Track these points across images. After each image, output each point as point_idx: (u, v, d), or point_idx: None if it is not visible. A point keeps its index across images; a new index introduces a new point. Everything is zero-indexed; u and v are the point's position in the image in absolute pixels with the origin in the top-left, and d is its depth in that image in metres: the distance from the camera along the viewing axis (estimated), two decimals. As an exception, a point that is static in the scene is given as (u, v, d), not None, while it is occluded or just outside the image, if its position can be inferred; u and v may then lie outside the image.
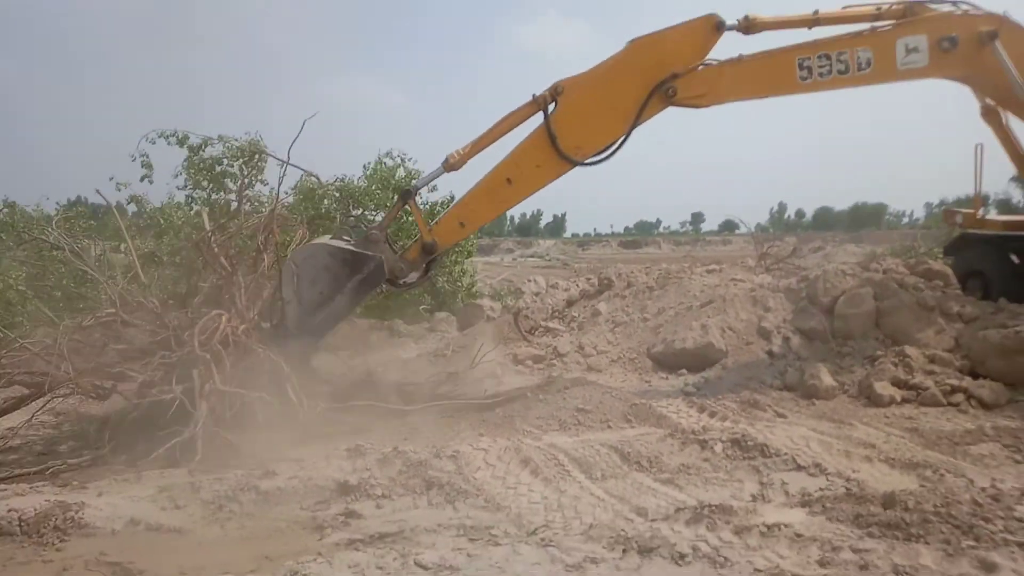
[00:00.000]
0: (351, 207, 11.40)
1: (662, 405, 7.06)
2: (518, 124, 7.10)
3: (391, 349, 10.89)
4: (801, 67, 6.95)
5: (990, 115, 8.70)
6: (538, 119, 7.05)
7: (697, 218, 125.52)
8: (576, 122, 7.00)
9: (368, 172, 12.56)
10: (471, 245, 16.52)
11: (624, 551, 3.77)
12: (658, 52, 6.95)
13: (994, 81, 7.54)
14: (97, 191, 9.14)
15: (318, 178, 11.83)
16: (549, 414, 6.92)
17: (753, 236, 20.31)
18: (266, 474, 5.36)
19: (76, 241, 9.69)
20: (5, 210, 12.59)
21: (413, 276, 7.27)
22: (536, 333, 10.37)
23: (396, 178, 12.43)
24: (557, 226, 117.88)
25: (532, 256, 53.34)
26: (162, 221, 11.01)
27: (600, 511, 4.65)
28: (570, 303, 12.04)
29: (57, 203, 11.36)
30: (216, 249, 7.37)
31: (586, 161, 7.11)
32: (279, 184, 8.15)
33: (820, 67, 6.94)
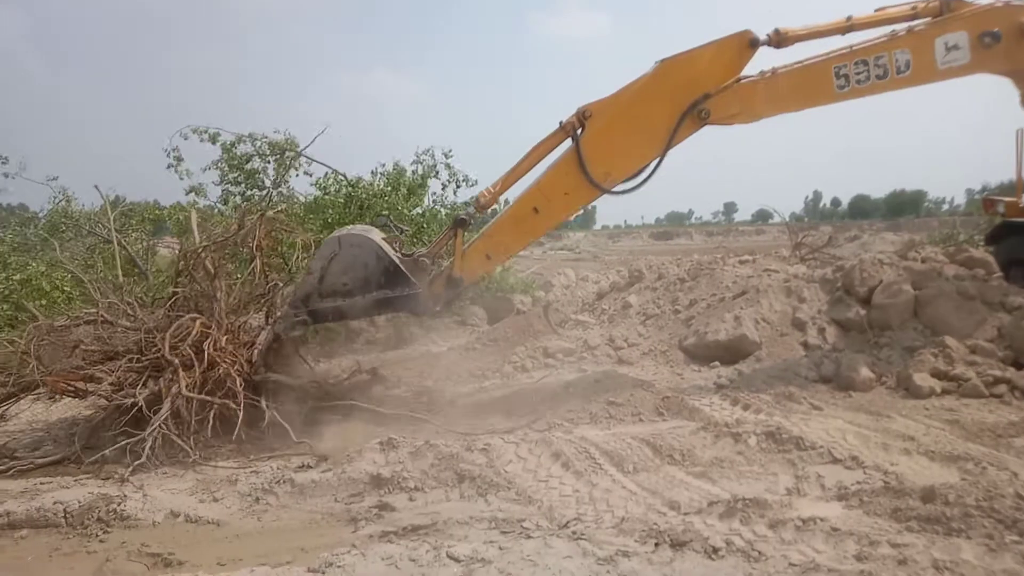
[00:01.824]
0: (381, 212, 11.37)
1: (694, 398, 7.00)
2: (548, 153, 6.89)
3: (422, 344, 10.98)
4: (838, 76, 6.69)
5: None
6: (566, 145, 6.84)
7: (730, 208, 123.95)
8: (605, 147, 6.75)
9: (389, 172, 12.56)
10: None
11: (656, 544, 3.75)
12: (689, 72, 6.68)
13: None
14: (93, 190, 9.31)
15: (345, 176, 11.95)
16: (580, 407, 6.91)
17: (787, 226, 19.94)
18: (302, 467, 5.45)
19: (124, 236, 9.93)
20: (63, 202, 12.87)
21: (434, 307, 7.05)
22: (566, 326, 10.34)
23: (406, 180, 12.41)
24: (587, 218, 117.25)
25: (562, 249, 53.10)
26: (181, 219, 11.23)
27: (632, 504, 4.63)
28: (600, 296, 11.99)
29: (106, 197, 11.58)
30: (202, 253, 7.14)
31: (616, 189, 6.86)
32: (273, 186, 8.16)
33: (858, 74, 6.69)
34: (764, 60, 6.98)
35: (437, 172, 12.70)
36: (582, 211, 7.39)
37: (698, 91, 6.65)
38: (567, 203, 7.00)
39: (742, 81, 6.77)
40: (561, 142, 6.85)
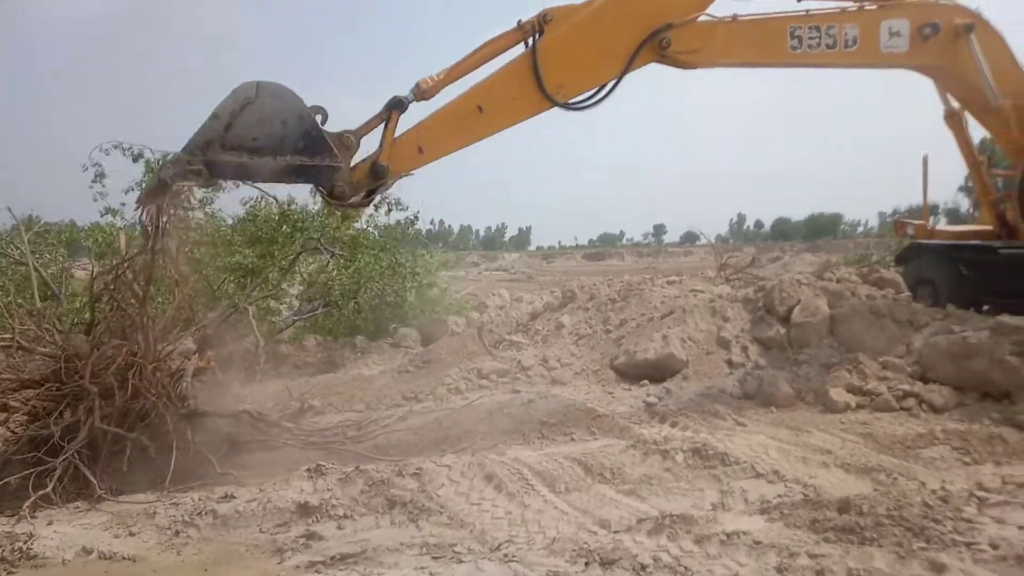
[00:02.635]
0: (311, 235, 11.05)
1: (625, 416, 7.12)
2: (500, 52, 6.41)
3: (353, 367, 10.80)
4: (792, 36, 6.97)
5: (953, 119, 8.95)
6: (521, 47, 6.40)
7: (659, 230, 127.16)
8: (562, 57, 6.36)
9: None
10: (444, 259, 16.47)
11: (586, 564, 3.78)
12: None
13: (964, 77, 7.85)
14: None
15: (275, 198, 11.70)
16: (514, 428, 6.93)
17: (713, 247, 20.61)
18: (225, 497, 5.26)
19: (38, 258, 9.40)
20: None
21: (351, 198, 6.06)
22: (501, 347, 10.38)
23: None
24: (522, 239, 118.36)
25: (498, 269, 53.37)
26: (100, 240, 10.79)
27: (563, 524, 4.66)
28: (534, 316, 12.09)
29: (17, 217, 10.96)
30: (130, 276, 6.49)
31: (567, 103, 6.43)
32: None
33: (811, 39, 7.00)
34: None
35: None
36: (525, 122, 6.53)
37: (663, 19, 6.62)
38: (513, 109, 6.43)
39: (705, 20, 6.86)
40: (515, 43, 6.43)
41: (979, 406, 6.65)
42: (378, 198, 6.34)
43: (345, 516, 4.85)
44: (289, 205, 11.75)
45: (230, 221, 12.05)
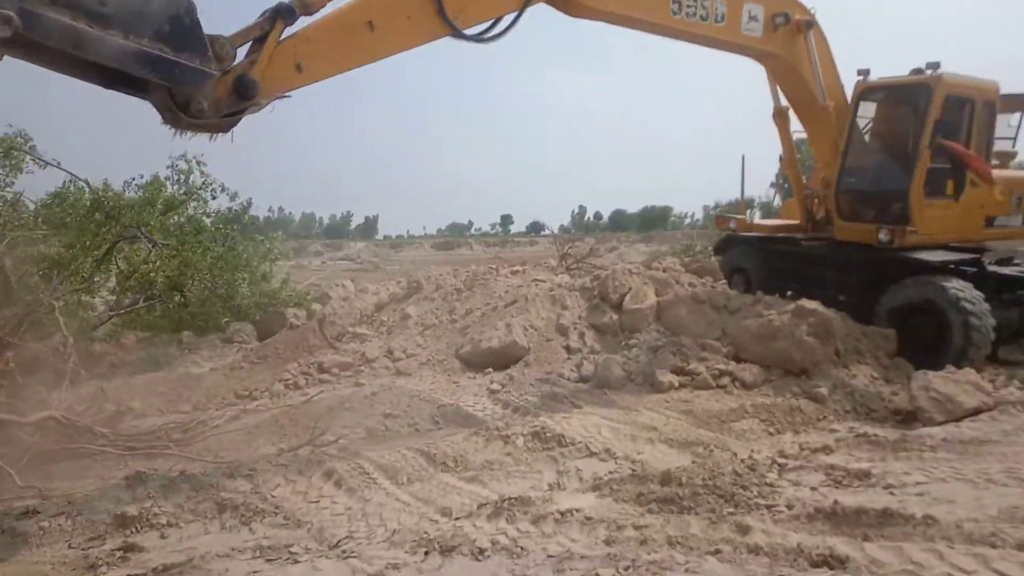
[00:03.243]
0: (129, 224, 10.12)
1: (469, 404, 7.22)
2: None
3: (180, 366, 10.07)
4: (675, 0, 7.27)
5: (781, 116, 9.80)
6: None
7: (506, 220, 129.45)
8: None
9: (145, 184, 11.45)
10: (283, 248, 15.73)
11: (426, 553, 3.81)
12: None
13: (800, 72, 8.60)
14: None
15: (87, 183, 10.63)
16: (356, 422, 6.82)
17: (555, 238, 21.34)
18: (25, 513, 4.73)
19: None
20: None
21: (207, 119, 4.64)
22: (343, 340, 10.13)
23: (164, 195, 11.46)
24: (369, 228, 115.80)
25: (343, 259, 51.89)
26: None
27: (405, 516, 4.66)
28: (380, 307, 11.92)
29: None
30: None
31: (464, 32, 5.81)
32: None
33: (688, 5, 7.34)
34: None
35: (188, 178, 11.76)
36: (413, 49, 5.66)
37: None
38: (407, 30, 5.61)
39: None
40: None
41: (782, 382, 7.39)
42: (238, 123, 4.88)
43: (169, 524, 4.54)
44: (104, 191, 10.72)
45: (32, 206, 10.79)
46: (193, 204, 11.93)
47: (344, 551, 3.96)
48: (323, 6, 5.12)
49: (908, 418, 6.35)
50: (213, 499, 4.81)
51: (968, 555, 3.41)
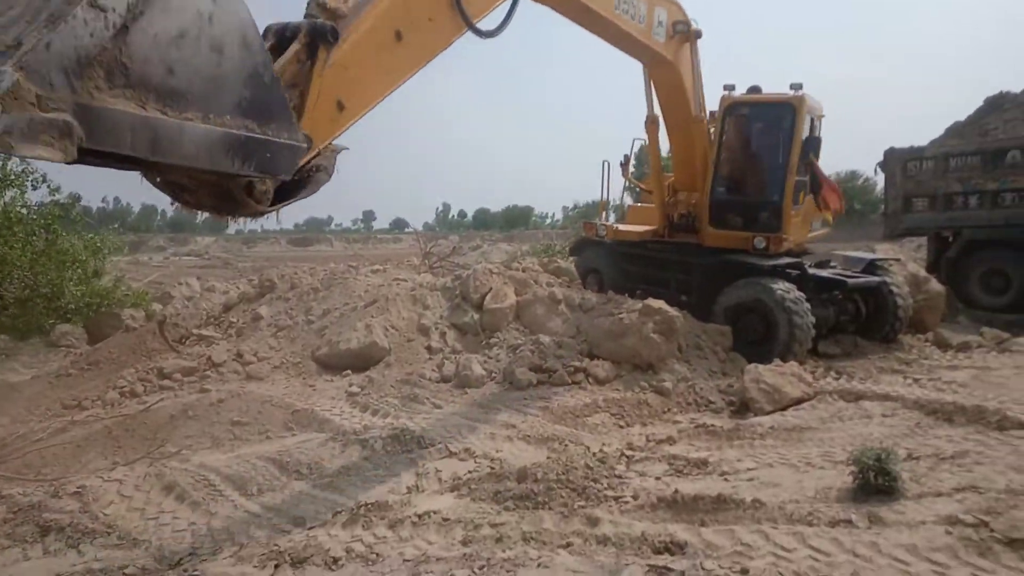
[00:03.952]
0: None
1: (325, 408, 7.00)
2: None
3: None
4: None
5: (653, 124, 10.16)
6: None
7: (369, 216, 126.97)
8: None
9: None
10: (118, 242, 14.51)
11: (276, 566, 3.66)
12: None
13: (683, 82, 8.93)
14: None
15: None
16: (201, 431, 6.41)
17: (417, 236, 21.22)
18: None
19: None
20: None
21: (269, 198, 3.43)
22: (187, 343, 9.49)
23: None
24: (218, 222, 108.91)
25: (189, 255, 48.57)
26: None
27: (255, 528, 4.45)
28: (228, 308, 11.26)
29: None
30: None
31: (474, 24, 4.93)
32: None
33: (626, 3, 7.36)
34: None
35: (5, 164, 10.53)
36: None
37: None
38: (431, 30, 4.73)
39: None
40: None
41: (632, 377, 7.77)
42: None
43: (-22, 554, 4.05)
44: None
45: None
46: (10, 193, 10.69)
47: (186, 569, 3.73)
48: (344, 16, 4.00)
49: (742, 408, 6.89)
50: (35, 521, 4.37)
51: (789, 534, 3.77)
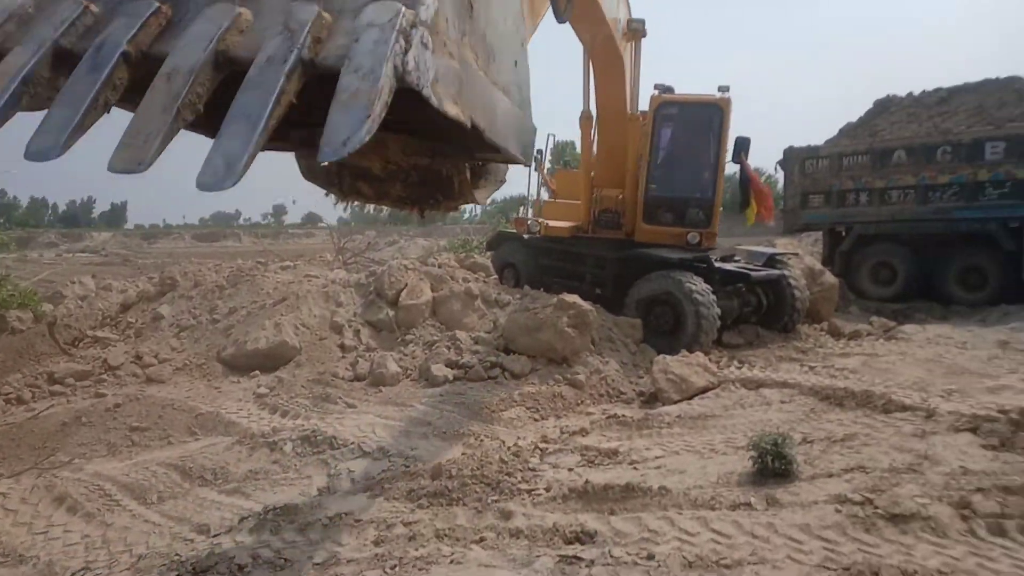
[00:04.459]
0: None
1: (232, 411, 6.75)
2: None
3: None
4: None
5: (587, 121, 10.27)
6: None
7: (279, 210, 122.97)
8: None
9: None
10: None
11: (178, 577, 3.51)
12: None
13: (624, 78, 8.95)
14: None
15: None
16: (96, 438, 6.07)
17: (331, 231, 20.74)
18: None
19: None
20: None
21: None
22: (81, 345, 8.93)
23: None
24: (116, 216, 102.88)
25: (84, 251, 45.71)
26: None
27: (155, 538, 4.25)
28: (126, 307, 10.65)
29: None
30: None
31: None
32: None
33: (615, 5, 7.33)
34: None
35: None
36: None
37: None
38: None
39: None
40: None
41: (547, 370, 7.87)
42: None
43: None
44: None
45: None
46: None
47: (78, 586, 3.52)
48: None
49: (651, 398, 7.10)
50: (-100, 545, 4.01)
51: (693, 519, 3.92)
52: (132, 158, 1.33)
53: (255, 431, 6.07)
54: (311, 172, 2.37)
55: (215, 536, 4.13)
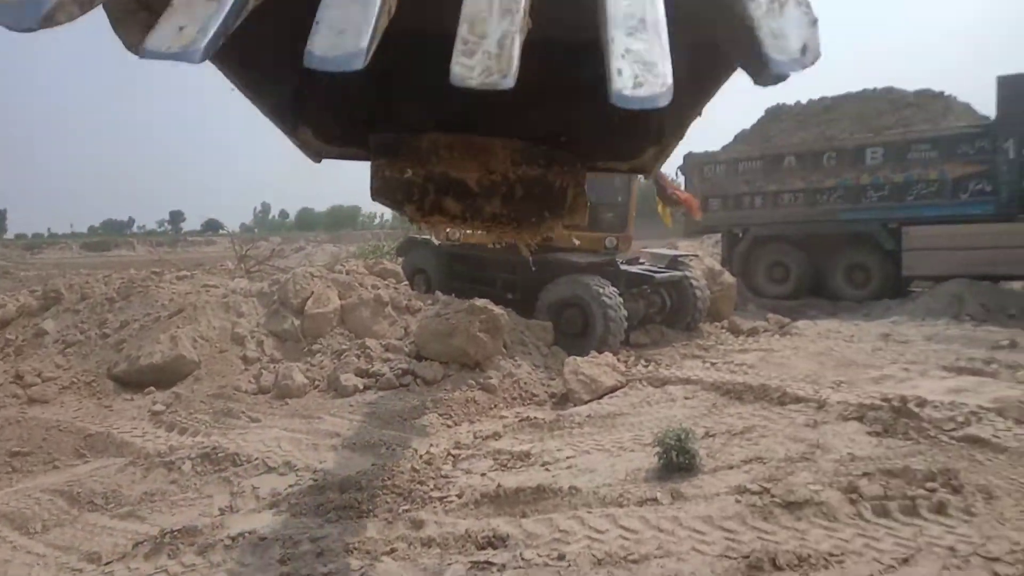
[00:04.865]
0: None
1: (125, 431, 6.37)
2: None
3: None
4: None
5: None
6: None
7: (177, 217, 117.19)
8: None
9: None
10: None
11: (62, 612, 3.27)
12: None
13: None
14: None
15: None
16: (-32, 466, 5.58)
17: (232, 238, 19.97)
18: None
19: None
20: None
21: None
22: (-49, 365, 8.19)
23: None
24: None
25: (-44, 264, 41.99)
26: None
27: (39, 570, 3.95)
28: (5, 323, 9.86)
29: None
30: None
31: None
32: None
33: None
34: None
35: None
36: None
37: None
38: None
39: None
40: None
41: (459, 376, 7.84)
42: None
43: None
44: None
45: None
46: None
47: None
48: None
49: (563, 400, 7.20)
50: None
51: (602, 516, 3.99)
52: (343, 45, 1.01)
53: (150, 451, 5.75)
54: (387, 185, 2.01)
55: (107, 564, 3.88)
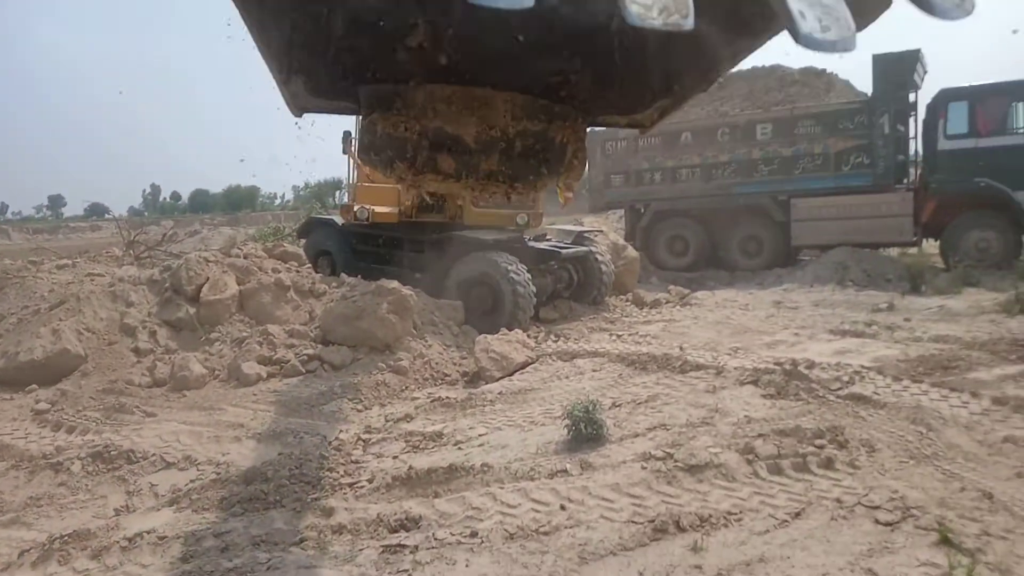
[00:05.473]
0: None
1: (5, 433, 5.90)
2: None
3: None
4: None
5: None
6: None
7: (56, 202, 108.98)
8: None
9: None
10: None
11: (-64, 634, 3.02)
12: None
13: None
14: None
15: None
16: None
17: (119, 223, 18.78)
18: None
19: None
20: None
21: None
22: None
23: None
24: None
25: None
26: None
27: (-94, 592, 3.62)
28: None
29: None
30: None
31: None
32: None
33: None
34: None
35: None
36: None
37: None
38: None
39: None
40: None
41: (369, 359, 7.70)
42: None
43: None
44: None
45: None
46: None
47: None
48: None
49: (474, 378, 7.22)
50: None
51: (514, 491, 4.04)
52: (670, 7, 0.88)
53: (35, 452, 5.36)
54: (380, 142, 1.86)
55: (-14, 578, 3.60)
